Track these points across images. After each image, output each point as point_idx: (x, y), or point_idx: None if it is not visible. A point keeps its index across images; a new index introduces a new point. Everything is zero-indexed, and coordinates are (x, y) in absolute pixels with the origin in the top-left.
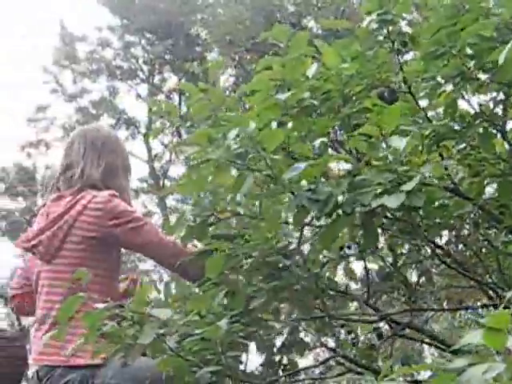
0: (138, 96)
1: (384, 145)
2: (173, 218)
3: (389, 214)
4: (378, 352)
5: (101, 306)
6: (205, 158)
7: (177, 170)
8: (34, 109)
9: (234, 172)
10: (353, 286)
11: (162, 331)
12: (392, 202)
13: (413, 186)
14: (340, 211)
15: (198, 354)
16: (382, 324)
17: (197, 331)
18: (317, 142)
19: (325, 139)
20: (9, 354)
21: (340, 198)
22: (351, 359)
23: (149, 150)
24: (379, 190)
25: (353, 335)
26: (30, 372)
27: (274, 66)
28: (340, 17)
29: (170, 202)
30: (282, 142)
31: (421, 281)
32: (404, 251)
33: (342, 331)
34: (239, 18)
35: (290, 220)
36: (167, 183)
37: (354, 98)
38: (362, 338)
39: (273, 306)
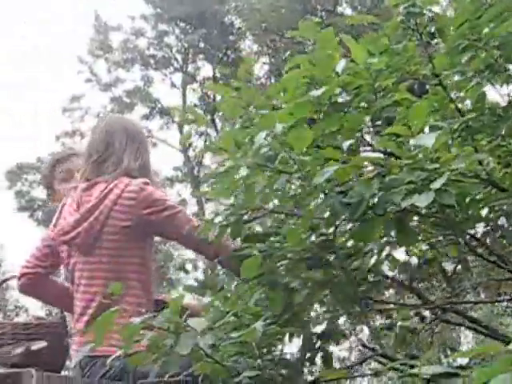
0: (173, 85)
1: (413, 143)
2: (208, 207)
3: (421, 212)
4: (418, 337)
5: (137, 319)
6: (233, 164)
7: (211, 159)
8: (69, 99)
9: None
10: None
11: (198, 341)
12: (422, 200)
13: (441, 183)
14: (371, 214)
15: (234, 357)
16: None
17: (233, 334)
18: (346, 144)
19: (356, 137)
20: (49, 342)
21: (372, 201)
22: (390, 357)
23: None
24: (410, 190)
25: (389, 321)
26: (73, 361)
27: (303, 64)
28: (377, 3)
29: (205, 190)
30: (313, 140)
31: (457, 269)
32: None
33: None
34: (275, 5)
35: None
36: (201, 172)
37: (383, 92)
38: (399, 324)
39: (317, 299)
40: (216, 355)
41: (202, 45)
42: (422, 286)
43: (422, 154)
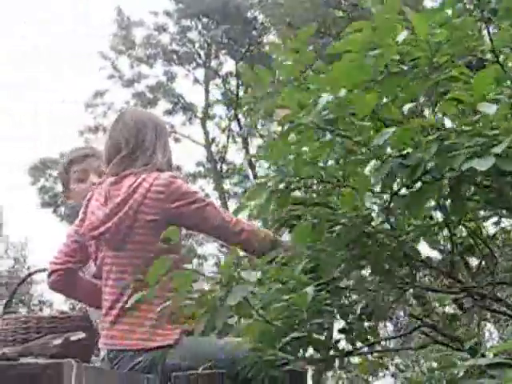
0: (195, 80)
1: (473, 111)
2: (231, 202)
3: (476, 181)
4: (459, 323)
5: (189, 266)
6: (296, 123)
7: (234, 155)
8: (92, 94)
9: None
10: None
11: (249, 292)
12: (482, 164)
13: (503, 147)
14: (428, 178)
15: (283, 320)
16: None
17: (284, 297)
18: (405, 108)
19: (413, 104)
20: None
21: (429, 165)
22: (438, 329)
23: (206, 134)
24: (469, 154)
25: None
26: (101, 354)
27: (365, 30)
28: None
29: (227, 185)
30: (373, 107)
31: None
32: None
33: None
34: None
35: (375, 189)
36: (224, 167)
37: (442, 66)
38: (437, 310)
39: (355, 274)
40: (265, 315)
41: (224, 40)
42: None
43: (481, 123)
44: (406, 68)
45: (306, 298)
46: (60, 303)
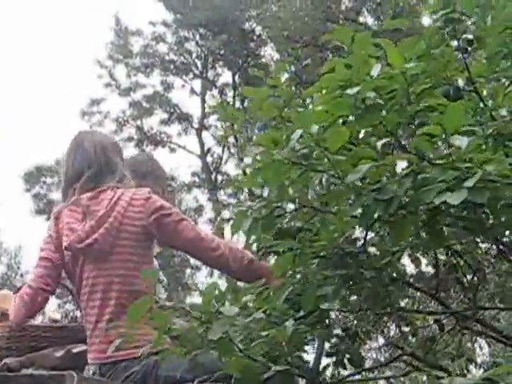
0: (192, 91)
1: (447, 144)
2: (225, 213)
3: (453, 212)
4: (436, 345)
5: (169, 304)
6: (270, 160)
7: (229, 165)
8: (88, 102)
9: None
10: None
11: (229, 328)
12: (454, 198)
13: (474, 181)
14: (404, 211)
15: (266, 354)
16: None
17: (263, 333)
18: (380, 143)
19: (387, 139)
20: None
21: (404, 199)
22: (419, 357)
23: (201, 144)
24: (442, 188)
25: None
26: (91, 369)
27: (338, 67)
28: (400, 13)
29: (222, 196)
30: (346, 141)
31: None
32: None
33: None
34: (296, 13)
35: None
36: (219, 178)
37: (418, 96)
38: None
39: (341, 296)
40: (246, 350)
41: (222, 51)
42: (443, 296)
43: (454, 156)
44: (382, 102)
45: (286, 332)
46: (52, 311)
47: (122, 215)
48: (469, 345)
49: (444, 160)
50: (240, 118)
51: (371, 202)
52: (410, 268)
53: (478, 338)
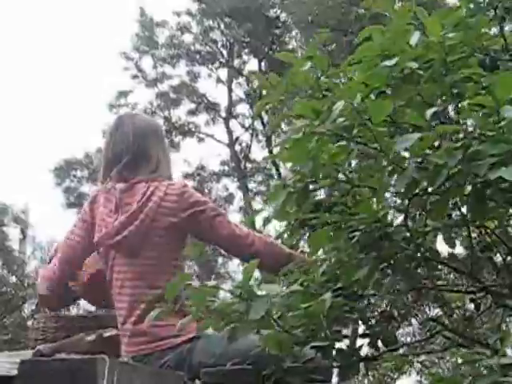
0: (219, 80)
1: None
2: (255, 202)
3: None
4: (475, 325)
5: (211, 283)
6: (311, 131)
7: (258, 153)
8: (116, 94)
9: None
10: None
11: (271, 306)
12: (509, 173)
13: None
14: (449, 184)
15: (302, 327)
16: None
17: (302, 305)
18: (428, 112)
19: (435, 109)
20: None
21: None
22: (460, 333)
23: (229, 133)
24: (495, 162)
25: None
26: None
27: (375, 36)
28: None
29: (252, 184)
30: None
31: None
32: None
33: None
34: None
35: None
36: (248, 166)
37: (455, 66)
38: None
39: (375, 278)
40: (284, 324)
41: (247, 39)
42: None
43: (505, 128)
44: (420, 72)
45: (324, 305)
46: (86, 303)
47: (154, 211)
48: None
49: (494, 132)
50: (280, 86)
51: (417, 174)
52: (444, 250)
53: None
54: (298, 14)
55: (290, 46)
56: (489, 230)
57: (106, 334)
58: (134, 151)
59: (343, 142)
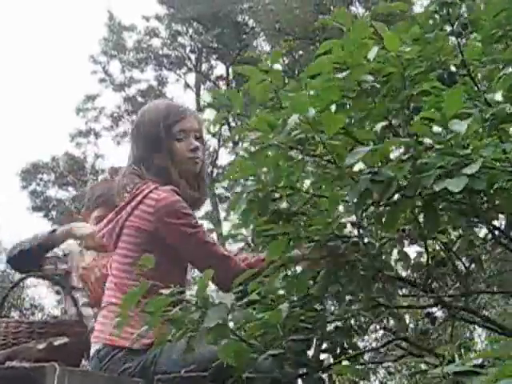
0: (186, 85)
1: (445, 129)
2: (222, 207)
3: (449, 197)
4: (430, 337)
5: (165, 291)
6: (266, 144)
7: (225, 159)
8: (83, 98)
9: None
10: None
11: (226, 314)
12: (455, 185)
13: (476, 168)
14: (399, 195)
15: (260, 338)
16: (434, 310)
17: (258, 315)
18: (378, 126)
19: (385, 123)
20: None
21: (401, 182)
22: (412, 342)
23: None
24: (441, 174)
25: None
26: (92, 350)
27: (335, 49)
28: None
29: (218, 190)
30: (342, 125)
31: (471, 267)
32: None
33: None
34: (288, 6)
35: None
36: (215, 171)
37: (413, 80)
38: (411, 325)
39: (332, 290)
40: (241, 334)
41: (215, 45)
42: (436, 286)
43: (453, 141)
44: (377, 85)
45: (280, 315)
46: (51, 307)
47: (132, 209)
48: (468, 334)
49: (442, 145)
50: (238, 100)
51: (369, 185)
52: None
53: (476, 327)
54: (265, 22)
55: (258, 52)
56: (443, 243)
57: (56, 343)
58: (139, 156)
59: (298, 156)
